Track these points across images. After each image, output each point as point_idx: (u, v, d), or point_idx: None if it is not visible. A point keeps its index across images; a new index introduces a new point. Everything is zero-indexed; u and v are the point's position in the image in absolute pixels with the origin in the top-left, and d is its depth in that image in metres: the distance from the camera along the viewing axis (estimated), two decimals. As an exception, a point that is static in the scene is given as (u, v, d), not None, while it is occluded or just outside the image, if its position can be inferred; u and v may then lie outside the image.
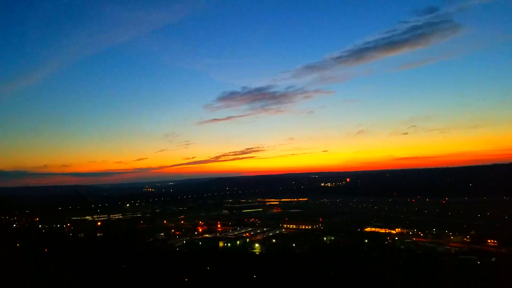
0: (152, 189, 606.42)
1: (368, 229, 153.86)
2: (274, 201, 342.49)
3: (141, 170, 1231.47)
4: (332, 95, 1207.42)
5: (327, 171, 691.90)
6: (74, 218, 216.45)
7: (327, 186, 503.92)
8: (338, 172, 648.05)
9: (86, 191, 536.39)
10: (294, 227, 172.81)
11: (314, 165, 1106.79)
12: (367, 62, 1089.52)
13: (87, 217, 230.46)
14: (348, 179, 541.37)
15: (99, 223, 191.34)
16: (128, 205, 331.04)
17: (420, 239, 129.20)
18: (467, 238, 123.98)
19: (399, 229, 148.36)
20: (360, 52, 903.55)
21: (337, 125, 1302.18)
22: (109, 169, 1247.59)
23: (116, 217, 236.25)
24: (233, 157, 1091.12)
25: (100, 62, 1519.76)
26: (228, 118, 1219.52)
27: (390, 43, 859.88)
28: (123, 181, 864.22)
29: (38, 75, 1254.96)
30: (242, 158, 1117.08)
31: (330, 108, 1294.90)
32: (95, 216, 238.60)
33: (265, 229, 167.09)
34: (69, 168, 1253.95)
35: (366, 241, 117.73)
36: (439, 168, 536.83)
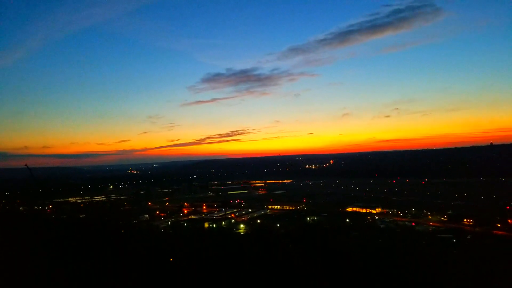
0: (136, 171, 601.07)
1: (349, 209, 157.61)
2: (259, 183, 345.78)
3: (124, 152, 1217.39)
4: (317, 78, 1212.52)
5: (312, 153, 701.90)
6: (56, 200, 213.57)
7: (312, 168, 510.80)
8: (322, 155, 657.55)
9: (68, 173, 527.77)
10: (279, 208, 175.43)
11: (299, 147, 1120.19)
12: (351, 45, 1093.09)
13: (69, 199, 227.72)
14: (331, 161, 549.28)
15: (81, 205, 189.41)
16: (111, 187, 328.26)
17: (399, 219, 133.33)
18: (444, 218, 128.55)
19: (380, 209, 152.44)
20: (344, 35, 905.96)
21: (322, 108, 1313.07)
22: (92, 151, 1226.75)
23: (99, 199, 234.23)
24: (219, 139, 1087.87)
25: (80, 41, 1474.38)
26: (213, 100, 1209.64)
27: (373, 26, 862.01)
28: (106, 163, 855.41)
29: (17, 55, 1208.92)
30: (228, 141, 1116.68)
31: (315, 91, 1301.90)
32: (77, 198, 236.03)
33: (250, 210, 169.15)
34: (50, 150, 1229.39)
35: (347, 220, 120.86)
36: (420, 150, 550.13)
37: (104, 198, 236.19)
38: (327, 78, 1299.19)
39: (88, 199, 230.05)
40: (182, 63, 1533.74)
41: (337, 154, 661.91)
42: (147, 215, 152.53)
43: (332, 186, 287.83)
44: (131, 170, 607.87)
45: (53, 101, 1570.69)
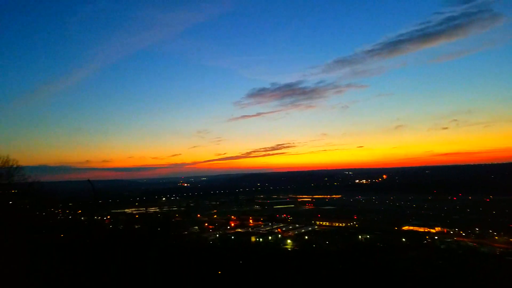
0: (186, 184, 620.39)
1: (405, 228, 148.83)
2: (306, 198, 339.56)
3: (175, 165, 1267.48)
4: (365, 89, 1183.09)
5: (362, 167, 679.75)
6: (113, 210, 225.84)
7: (362, 183, 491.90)
8: (374, 169, 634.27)
9: (124, 185, 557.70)
10: (327, 224, 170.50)
11: (348, 161, 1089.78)
12: (401, 55, 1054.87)
13: (125, 210, 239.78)
14: (384, 176, 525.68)
15: (136, 216, 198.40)
16: (164, 199, 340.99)
17: (461, 239, 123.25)
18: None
19: (439, 228, 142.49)
20: (394, 45, 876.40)
21: (372, 120, 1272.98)
22: (146, 165, 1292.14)
23: (153, 210, 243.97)
24: (264, 153, 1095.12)
25: (136, 63, 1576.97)
26: (258, 114, 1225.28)
27: (425, 35, 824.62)
28: (159, 176, 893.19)
29: (79, 76, 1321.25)
30: (273, 154, 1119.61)
31: (364, 102, 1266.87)
32: (133, 209, 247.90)
33: (297, 225, 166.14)
34: (109, 163, 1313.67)
35: (403, 240, 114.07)
36: (482, 165, 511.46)
37: (157, 209, 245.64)
38: (377, 89, 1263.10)
39: (143, 210, 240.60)
40: (228, 80, 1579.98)
41: (390, 168, 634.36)
42: (196, 227, 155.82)
43: (385, 202, 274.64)
44: (181, 183, 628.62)
45: (112, 118, 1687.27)
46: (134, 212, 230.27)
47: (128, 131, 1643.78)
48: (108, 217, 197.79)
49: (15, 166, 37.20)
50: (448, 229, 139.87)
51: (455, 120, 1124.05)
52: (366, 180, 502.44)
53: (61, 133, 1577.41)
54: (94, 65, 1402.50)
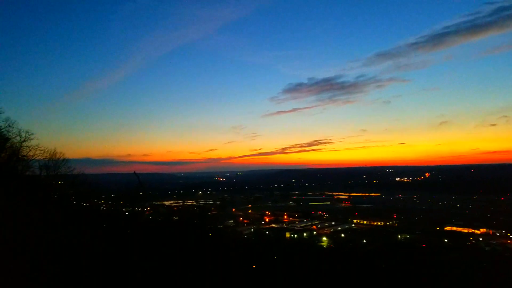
0: (222, 178, 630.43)
1: (448, 228, 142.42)
2: (343, 195, 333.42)
3: (211, 160, 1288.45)
4: (408, 84, 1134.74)
5: (404, 165, 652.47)
6: (153, 202, 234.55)
7: (403, 181, 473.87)
8: (416, 166, 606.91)
9: (163, 178, 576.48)
10: (365, 222, 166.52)
11: (389, 158, 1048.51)
12: (447, 48, 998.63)
13: (164, 202, 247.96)
14: (427, 174, 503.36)
15: (175, 208, 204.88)
16: (200, 192, 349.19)
17: (509, 241, 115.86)
18: None
19: (484, 229, 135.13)
20: (439, 37, 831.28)
21: (415, 116, 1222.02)
22: (184, 159, 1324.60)
23: (190, 203, 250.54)
24: (300, 149, 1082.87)
25: (174, 59, 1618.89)
26: (294, 110, 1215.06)
27: (474, 27, 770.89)
28: (196, 170, 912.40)
29: (120, 74, 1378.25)
30: (309, 150, 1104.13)
31: (407, 97, 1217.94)
32: (171, 202, 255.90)
33: (333, 223, 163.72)
34: (149, 157, 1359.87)
35: (445, 240, 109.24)
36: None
37: (194, 203, 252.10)
38: (420, 83, 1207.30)
39: (181, 202, 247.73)
40: (264, 75, 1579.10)
41: (433, 166, 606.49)
42: (231, 221, 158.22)
43: (427, 201, 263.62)
44: (217, 177, 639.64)
45: (151, 113, 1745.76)
46: (173, 204, 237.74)
47: (167, 126, 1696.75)
48: (148, 208, 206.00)
49: (61, 158, 39.35)
50: (494, 231, 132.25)
51: (505, 116, 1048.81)
52: (407, 178, 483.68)
53: (104, 127, 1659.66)
54: (134, 63, 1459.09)
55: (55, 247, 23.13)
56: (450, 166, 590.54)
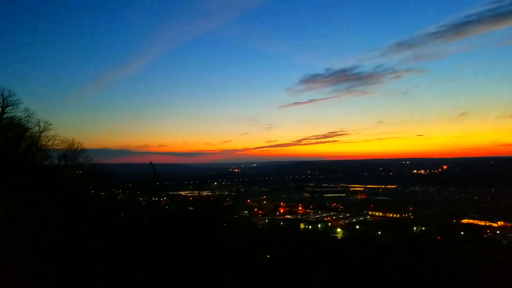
0: (237, 169, 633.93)
1: (465, 221, 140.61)
2: (358, 187, 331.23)
3: (227, 151, 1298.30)
4: (426, 74, 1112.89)
5: (421, 157, 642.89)
6: (169, 192, 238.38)
7: (420, 173, 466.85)
8: (433, 159, 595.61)
9: (179, 169, 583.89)
10: (380, 214, 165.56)
11: (406, 150, 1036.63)
12: (467, 37, 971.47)
13: (180, 193, 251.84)
14: (444, 166, 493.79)
15: (190, 198, 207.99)
16: (215, 183, 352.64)
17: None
18: None
19: (502, 222, 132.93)
20: (460, 26, 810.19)
21: (433, 107, 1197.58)
22: (200, 150, 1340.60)
23: (205, 193, 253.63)
24: (315, 140, 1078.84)
25: (190, 50, 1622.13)
26: (310, 101, 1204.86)
27: (497, 15, 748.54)
28: (212, 161, 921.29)
29: (137, 65, 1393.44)
30: (325, 142, 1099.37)
31: (425, 88, 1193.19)
32: (187, 192, 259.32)
33: (348, 214, 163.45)
34: (165, 148, 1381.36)
35: (462, 233, 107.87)
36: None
37: (209, 193, 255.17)
38: (439, 74, 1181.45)
39: (196, 193, 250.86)
40: (281, 66, 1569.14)
41: (452, 158, 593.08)
42: (246, 212, 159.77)
43: (444, 194, 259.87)
44: (232, 169, 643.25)
45: (168, 104, 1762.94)
46: (188, 194, 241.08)
47: (183, 117, 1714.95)
48: (165, 198, 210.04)
49: (80, 148, 39.62)
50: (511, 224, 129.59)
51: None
52: (425, 171, 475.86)
53: (121, 118, 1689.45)
54: (151, 54, 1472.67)
55: (75, 235, 24.22)
56: (468, 158, 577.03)
